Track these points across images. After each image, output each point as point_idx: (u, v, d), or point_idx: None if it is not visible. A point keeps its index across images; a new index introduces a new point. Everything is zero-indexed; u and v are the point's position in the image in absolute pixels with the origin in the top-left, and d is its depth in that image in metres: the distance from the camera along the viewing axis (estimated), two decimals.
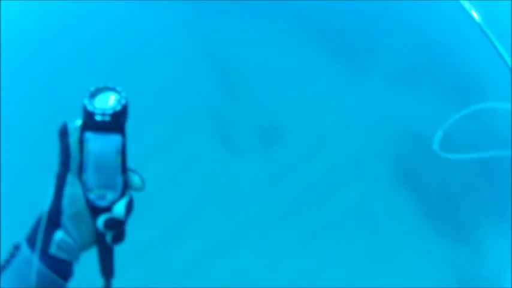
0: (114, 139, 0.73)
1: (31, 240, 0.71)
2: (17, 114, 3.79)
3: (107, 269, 0.77)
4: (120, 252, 0.81)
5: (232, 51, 3.77)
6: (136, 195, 0.78)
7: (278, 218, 3.43)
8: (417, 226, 3.54)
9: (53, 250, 0.71)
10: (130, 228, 0.79)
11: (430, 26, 4.10)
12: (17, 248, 0.72)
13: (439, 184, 3.71)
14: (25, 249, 0.71)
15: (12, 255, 0.71)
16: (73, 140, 0.73)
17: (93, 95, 0.74)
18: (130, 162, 0.77)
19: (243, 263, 3.23)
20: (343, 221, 3.46)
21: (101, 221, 0.73)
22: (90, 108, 0.72)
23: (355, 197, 3.55)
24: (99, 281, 0.79)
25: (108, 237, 0.75)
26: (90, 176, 0.72)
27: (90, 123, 0.72)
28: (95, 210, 0.74)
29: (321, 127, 3.63)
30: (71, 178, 0.73)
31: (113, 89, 0.76)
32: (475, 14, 3.66)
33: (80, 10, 4.22)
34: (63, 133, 0.74)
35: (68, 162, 0.73)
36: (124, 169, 0.75)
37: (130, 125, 0.77)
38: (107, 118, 0.72)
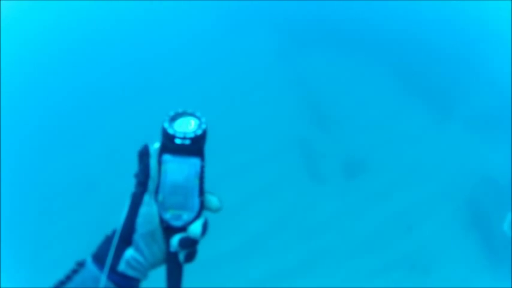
0: (192, 162, 0.74)
1: (98, 258, 0.72)
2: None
3: (175, 286, 0.78)
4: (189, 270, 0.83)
5: (323, 85, 3.93)
6: (219, 214, 0.78)
7: (351, 248, 3.66)
8: (479, 267, 3.75)
9: (121, 267, 0.72)
10: (210, 245, 0.82)
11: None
12: (81, 264, 0.72)
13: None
14: (91, 266, 0.71)
15: (74, 272, 0.72)
16: (153, 161, 0.74)
17: (173, 119, 0.76)
18: (219, 184, 0.82)
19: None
20: (411, 257, 3.68)
21: (175, 240, 0.74)
22: (170, 131, 0.73)
23: (425, 233, 3.76)
24: None
25: (181, 256, 0.75)
26: (166, 197, 0.74)
27: (170, 146, 0.74)
28: (169, 230, 0.75)
29: (401, 164, 3.81)
30: (148, 198, 0.74)
31: (192, 114, 0.78)
32: None
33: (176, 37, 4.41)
34: (145, 154, 0.75)
35: (147, 183, 0.74)
36: (202, 191, 0.76)
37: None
38: (187, 142, 0.74)
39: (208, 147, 0.76)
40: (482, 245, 3.82)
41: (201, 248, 0.77)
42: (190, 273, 0.83)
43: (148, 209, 0.73)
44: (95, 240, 0.74)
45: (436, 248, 3.75)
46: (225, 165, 3.43)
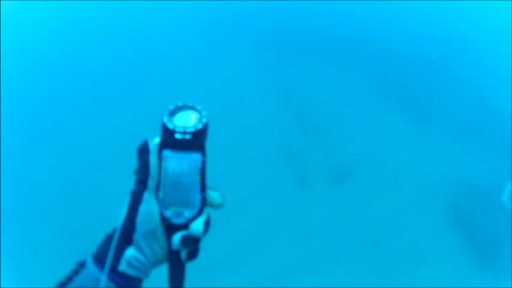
0: (193, 157, 0.72)
1: (99, 258, 0.71)
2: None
3: (178, 285, 0.76)
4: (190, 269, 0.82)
5: (308, 94, 4.11)
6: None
7: (338, 252, 3.76)
8: (464, 267, 3.85)
9: (122, 267, 0.71)
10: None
11: (492, 84, 4.40)
12: (81, 265, 0.72)
13: (488, 230, 4.01)
14: (91, 267, 0.71)
15: (75, 272, 0.71)
16: (153, 158, 0.72)
17: (172, 113, 0.74)
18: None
19: None
20: (398, 259, 3.78)
21: (177, 238, 0.72)
22: (170, 126, 0.72)
23: (411, 237, 3.88)
24: None
25: (183, 254, 0.74)
26: (167, 194, 0.72)
27: (170, 141, 0.72)
28: (171, 228, 0.73)
29: (385, 171, 3.96)
30: (147, 196, 0.72)
31: (192, 108, 0.75)
32: None
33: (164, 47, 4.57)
34: (144, 151, 0.73)
35: (147, 181, 0.72)
36: (203, 187, 0.74)
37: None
38: (188, 136, 0.72)
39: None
40: (467, 245, 3.94)
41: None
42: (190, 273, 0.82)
43: (149, 207, 0.72)
44: (96, 240, 0.75)
45: (422, 251, 3.86)
46: (212, 173, 3.53)
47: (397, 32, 4.69)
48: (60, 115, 4.32)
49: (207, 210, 0.75)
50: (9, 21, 4.81)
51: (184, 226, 0.73)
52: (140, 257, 0.71)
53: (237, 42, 4.53)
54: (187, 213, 0.73)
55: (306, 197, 3.88)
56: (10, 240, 3.61)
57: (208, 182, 0.75)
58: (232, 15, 4.77)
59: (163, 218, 0.73)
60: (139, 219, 0.71)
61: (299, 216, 3.84)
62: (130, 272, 0.71)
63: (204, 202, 0.74)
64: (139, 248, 0.71)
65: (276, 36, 4.64)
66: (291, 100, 4.13)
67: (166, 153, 0.72)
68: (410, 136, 4.11)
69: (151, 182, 0.72)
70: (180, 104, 0.75)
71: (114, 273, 0.70)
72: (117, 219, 0.72)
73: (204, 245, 0.76)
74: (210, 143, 0.76)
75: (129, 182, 0.75)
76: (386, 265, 3.74)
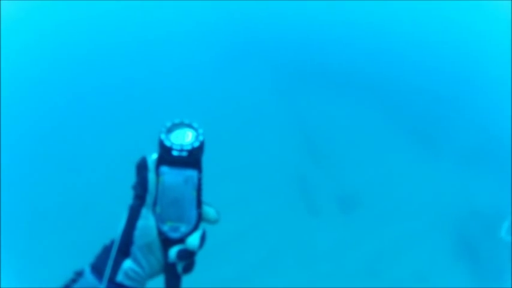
0: (190, 174, 0.74)
1: (97, 268, 0.74)
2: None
3: None
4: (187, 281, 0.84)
5: (319, 123, 4.23)
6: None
7: (345, 278, 3.87)
8: None
9: (119, 278, 0.73)
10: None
11: (498, 114, 4.47)
12: (79, 274, 0.74)
13: (493, 261, 4.10)
14: (89, 276, 0.73)
15: (73, 281, 0.73)
16: (151, 175, 0.74)
17: (170, 130, 0.76)
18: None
19: None
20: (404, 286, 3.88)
21: (173, 252, 0.75)
22: (167, 143, 0.74)
23: (416, 264, 3.98)
24: None
25: (179, 267, 0.76)
26: (164, 209, 0.74)
27: (167, 157, 0.74)
28: (167, 242, 0.75)
29: (393, 199, 4.06)
30: (145, 211, 0.74)
31: (189, 125, 0.77)
32: None
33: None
34: (143, 167, 0.75)
35: (145, 196, 0.74)
36: (199, 203, 0.76)
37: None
38: (184, 154, 0.74)
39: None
40: (471, 274, 4.03)
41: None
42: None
43: (146, 222, 0.74)
44: (93, 250, 0.77)
45: (427, 279, 3.96)
46: (223, 198, 3.66)
47: (406, 65, 4.80)
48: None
49: (203, 225, 0.77)
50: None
51: (181, 240, 0.75)
52: (137, 268, 0.74)
53: (250, 71, 4.65)
54: (184, 228, 0.75)
55: (315, 223, 3.99)
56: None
57: (205, 198, 0.77)
58: (249, 45, 4.89)
59: (160, 232, 0.75)
60: (137, 233, 0.74)
61: (308, 242, 3.96)
62: (128, 283, 0.74)
63: (200, 217, 0.76)
64: (136, 260, 0.74)
65: (288, 66, 4.76)
66: (303, 129, 4.25)
67: (164, 169, 0.74)
68: (417, 165, 4.21)
69: (149, 198, 0.74)
70: (177, 121, 0.77)
71: (112, 284, 0.73)
72: (115, 231, 0.74)
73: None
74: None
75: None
76: None
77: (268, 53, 4.87)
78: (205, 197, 0.76)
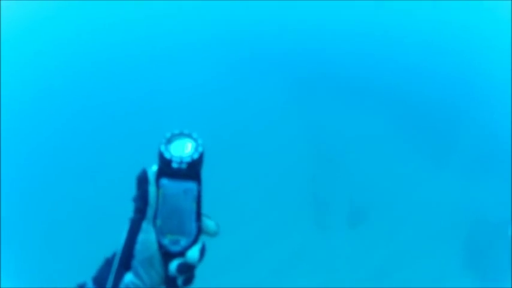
0: (190, 186, 0.75)
1: (98, 281, 0.75)
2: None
3: None
4: None
5: (327, 136, 4.33)
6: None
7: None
8: None
9: None
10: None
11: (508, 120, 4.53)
12: (81, 287, 0.75)
13: (501, 269, 4.14)
14: None
15: None
16: (152, 188, 0.75)
17: (169, 141, 0.76)
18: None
19: None
20: None
21: (173, 265, 0.75)
22: (167, 155, 0.74)
23: (425, 275, 4.05)
24: None
25: (180, 281, 0.77)
26: (164, 222, 0.75)
27: (166, 170, 0.74)
28: (167, 255, 0.76)
29: (402, 211, 4.15)
30: (146, 225, 0.75)
31: (189, 136, 0.77)
32: None
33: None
34: (143, 180, 0.75)
35: (145, 210, 0.75)
36: (199, 216, 0.76)
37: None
38: (184, 166, 0.74)
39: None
40: (480, 281, 4.09)
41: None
42: None
43: (147, 236, 0.75)
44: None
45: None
46: (232, 210, 3.71)
47: (414, 75, 4.86)
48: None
49: (203, 238, 0.78)
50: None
51: (181, 253, 0.76)
52: (138, 282, 0.75)
53: (262, 82, 4.68)
54: (184, 241, 0.76)
55: (323, 237, 4.10)
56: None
57: (204, 210, 0.78)
58: (261, 55, 4.92)
59: (160, 246, 0.76)
60: (138, 247, 0.75)
61: (314, 254, 4.02)
62: None
63: (199, 230, 0.77)
64: (137, 274, 0.75)
65: (300, 76, 4.78)
66: (312, 142, 4.34)
67: (164, 181, 0.75)
68: (426, 176, 4.26)
69: (150, 211, 0.75)
70: (176, 131, 0.77)
71: None
72: (116, 244, 0.75)
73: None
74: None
75: (129, 208, 0.79)
76: None
77: (280, 61, 4.88)
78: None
